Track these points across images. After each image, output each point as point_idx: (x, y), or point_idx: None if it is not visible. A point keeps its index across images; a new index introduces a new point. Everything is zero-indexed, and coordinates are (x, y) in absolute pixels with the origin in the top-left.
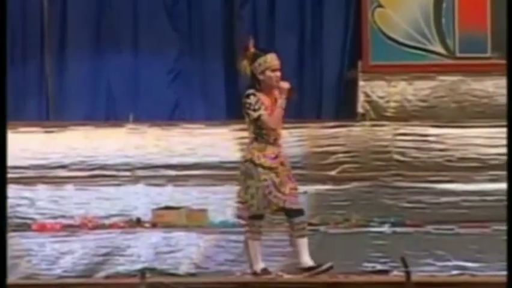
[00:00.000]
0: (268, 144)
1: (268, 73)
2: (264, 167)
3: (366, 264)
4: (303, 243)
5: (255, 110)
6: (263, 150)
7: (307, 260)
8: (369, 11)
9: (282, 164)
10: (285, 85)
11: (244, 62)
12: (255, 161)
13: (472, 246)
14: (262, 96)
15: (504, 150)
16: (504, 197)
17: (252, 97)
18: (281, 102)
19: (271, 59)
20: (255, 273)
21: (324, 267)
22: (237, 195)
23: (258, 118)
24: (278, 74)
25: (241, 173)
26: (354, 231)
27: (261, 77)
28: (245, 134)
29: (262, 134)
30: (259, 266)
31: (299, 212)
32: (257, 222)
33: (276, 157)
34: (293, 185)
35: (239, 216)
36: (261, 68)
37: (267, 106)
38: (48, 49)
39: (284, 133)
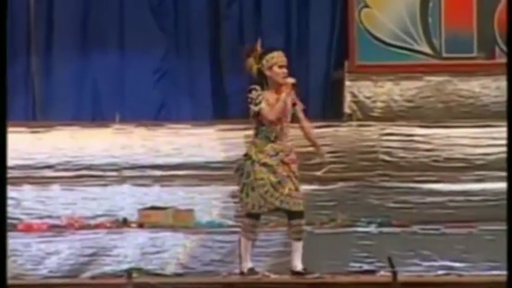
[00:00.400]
0: (268, 141)
1: (275, 69)
2: (261, 165)
3: (352, 264)
4: (297, 246)
5: (256, 104)
6: (262, 147)
7: (297, 264)
8: (355, 11)
9: (283, 162)
10: (290, 80)
11: (250, 61)
12: (252, 158)
13: (458, 246)
14: (267, 93)
15: (490, 150)
16: (490, 197)
17: (253, 92)
18: (284, 96)
19: (278, 56)
20: (242, 273)
21: (311, 276)
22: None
23: (259, 112)
24: (285, 70)
25: (236, 169)
26: (340, 232)
27: (268, 73)
28: (231, 134)
29: (262, 130)
30: (247, 265)
31: (297, 214)
32: (251, 221)
33: (276, 155)
34: (293, 186)
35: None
36: (268, 64)
37: (271, 103)
38: (34, 49)
39: None
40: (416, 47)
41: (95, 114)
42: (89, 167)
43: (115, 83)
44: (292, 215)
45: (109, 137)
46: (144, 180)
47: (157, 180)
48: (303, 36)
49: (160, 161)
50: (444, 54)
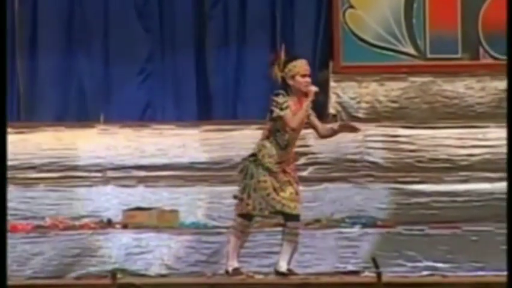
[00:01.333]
0: (278, 148)
1: (298, 78)
2: (264, 168)
3: (337, 264)
4: (287, 247)
5: (281, 109)
6: (271, 151)
7: (282, 265)
8: (340, 12)
9: (284, 171)
10: (313, 89)
11: (274, 68)
12: (259, 160)
13: (442, 247)
14: (290, 101)
15: (474, 151)
16: (475, 198)
17: (281, 96)
18: (306, 105)
19: (301, 65)
20: (227, 272)
21: (295, 277)
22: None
23: (281, 117)
24: (308, 79)
25: (241, 169)
26: (325, 232)
27: (290, 82)
28: (216, 135)
29: (276, 135)
30: (234, 264)
31: (296, 217)
32: (245, 221)
33: (281, 163)
34: (294, 190)
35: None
36: (291, 73)
37: (294, 111)
38: (18, 49)
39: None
40: (401, 48)
41: (79, 114)
42: (73, 168)
43: (99, 83)
44: (290, 217)
45: (93, 138)
46: (129, 181)
47: (142, 181)
48: (288, 37)
49: (144, 161)
50: (429, 55)
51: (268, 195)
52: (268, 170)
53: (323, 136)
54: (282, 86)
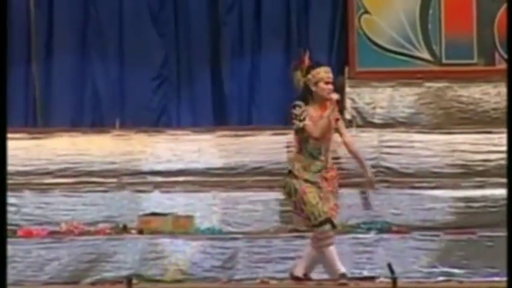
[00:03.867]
0: (312, 159)
1: (321, 85)
2: (305, 181)
3: (352, 270)
4: (314, 254)
5: (300, 120)
6: (306, 164)
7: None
8: (355, 18)
9: (325, 179)
10: (335, 96)
11: (298, 74)
12: (295, 175)
13: (458, 252)
14: (311, 108)
15: (490, 156)
16: (490, 203)
17: (297, 108)
18: (328, 112)
19: (325, 72)
20: (342, 275)
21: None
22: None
23: (303, 128)
24: (331, 86)
25: (283, 187)
26: (341, 238)
27: (314, 89)
28: (231, 140)
29: (306, 147)
30: (341, 269)
31: (333, 227)
32: (323, 228)
33: (319, 171)
34: (336, 201)
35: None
36: (314, 79)
37: (315, 119)
38: (34, 55)
39: (272, 139)
40: (416, 53)
41: (95, 120)
42: (89, 173)
43: (115, 89)
44: (335, 228)
45: (108, 143)
46: (144, 187)
47: (157, 186)
48: (303, 43)
49: (160, 167)
50: (444, 61)
51: (317, 203)
52: (309, 182)
53: (348, 148)
54: (303, 91)
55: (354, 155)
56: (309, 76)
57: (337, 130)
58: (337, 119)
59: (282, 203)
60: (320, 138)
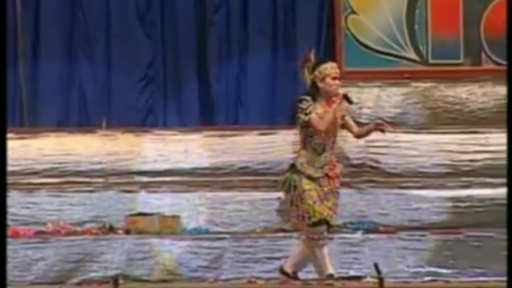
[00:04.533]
0: (315, 154)
1: (328, 80)
2: (308, 177)
3: (339, 270)
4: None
5: (306, 114)
6: (309, 159)
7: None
8: (342, 18)
9: (327, 176)
10: (341, 92)
11: (304, 71)
12: (299, 170)
13: (445, 252)
14: (318, 104)
15: (477, 156)
16: (477, 203)
17: (304, 102)
18: (334, 107)
19: (332, 67)
20: (330, 276)
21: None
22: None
23: (308, 122)
24: (338, 82)
25: (283, 183)
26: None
27: (321, 85)
28: (218, 140)
29: (310, 141)
30: (330, 270)
31: (329, 226)
32: (318, 228)
33: (322, 168)
34: (335, 200)
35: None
36: (321, 75)
37: (321, 114)
38: (21, 55)
39: (258, 139)
40: (403, 54)
41: (81, 120)
42: (75, 173)
43: (101, 89)
44: (331, 228)
45: (95, 143)
46: (131, 187)
47: (144, 186)
48: (290, 43)
49: (146, 167)
50: (431, 61)
51: (314, 203)
52: (310, 178)
53: (358, 136)
54: (310, 89)
55: (365, 135)
56: (316, 73)
57: (344, 126)
58: (344, 115)
59: (268, 203)
60: (324, 132)
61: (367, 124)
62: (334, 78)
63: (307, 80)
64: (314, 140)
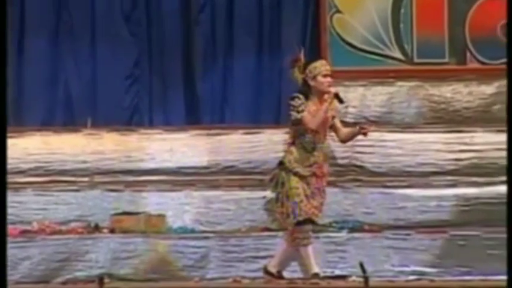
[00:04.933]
0: (305, 151)
1: (319, 78)
2: (294, 174)
3: (324, 269)
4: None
5: (298, 112)
6: (298, 156)
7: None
8: (327, 17)
9: (315, 174)
10: (332, 90)
11: (295, 71)
12: (287, 167)
13: (429, 251)
14: (310, 103)
15: (462, 155)
16: (462, 202)
17: (296, 99)
18: (326, 106)
19: (322, 65)
20: (315, 275)
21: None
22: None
23: (300, 120)
24: (329, 79)
25: (271, 179)
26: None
27: (312, 83)
28: (204, 139)
29: (300, 139)
30: (315, 269)
31: (314, 224)
32: (304, 227)
33: (310, 166)
34: (321, 200)
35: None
36: (312, 74)
37: (313, 113)
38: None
39: (244, 138)
40: (388, 53)
41: (66, 119)
42: (60, 172)
43: (87, 88)
44: (316, 227)
45: (80, 142)
46: (116, 186)
47: (129, 185)
48: (275, 42)
49: (132, 166)
50: (416, 60)
51: (301, 202)
52: (299, 175)
53: (343, 140)
54: (302, 88)
55: (350, 139)
56: (307, 71)
57: (331, 127)
58: (333, 116)
59: (254, 202)
60: (315, 130)
61: (353, 124)
62: (325, 76)
63: (299, 79)
64: (305, 138)
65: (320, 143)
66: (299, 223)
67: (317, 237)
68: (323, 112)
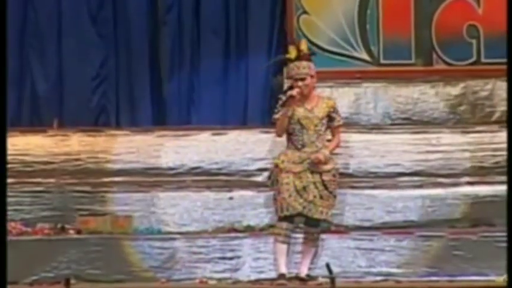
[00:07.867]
0: (295, 150)
1: (291, 82)
2: (286, 171)
3: (291, 270)
4: (307, 253)
5: (275, 114)
6: (290, 155)
7: (303, 270)
8: (294, 18)
9: (311, 171)
10: (288, 92)
11: (280, 78)
12: (279, 166)
13: (396, 252)
14: (294, 105)
15: (428, 156)
16: (428, 203)
17: (279, 101)
18: (284, 110)
19: (291, 68)
20: (281, 276)
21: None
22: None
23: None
24: (299, 83)
25: (268, 178)
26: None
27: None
28: (170, 140)
29: (290, 138)
30: (282, 269)
31: (314, 221)
32: (284, 224)
33: (301, 162)
34: (318, 194)
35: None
36: (289, 74)
37: (302, 113)
38: None
39: (211, 139)
40: (354, 54)
41: (33, 119)
42: (27, 173)
43: (53, 88)
44: (311, 221)
45: (47, 143)
46: (83, 187)
47: (96, 186)
48: (242, 43)
49: (98, 167)
50: (382, 61)
51: (289, 196)
52: (291, 172)
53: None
54: (288, 88)
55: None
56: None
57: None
58: (330, 115)
59: (220, 203)
60: (281, 136)
61: None
62: (296, 80)
63: (283, 82)
64: (293, 137)
65: (314, 140)
66: (285, 217)
67: (295, 237)
68: (283, 116)
